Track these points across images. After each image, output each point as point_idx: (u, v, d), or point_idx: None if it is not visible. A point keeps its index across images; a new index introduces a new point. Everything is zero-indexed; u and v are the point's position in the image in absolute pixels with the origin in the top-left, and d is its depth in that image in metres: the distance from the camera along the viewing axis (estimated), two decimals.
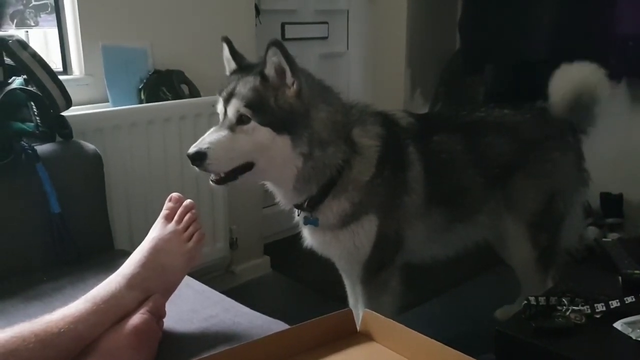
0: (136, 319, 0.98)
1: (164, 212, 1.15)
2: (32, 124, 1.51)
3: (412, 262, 1.61)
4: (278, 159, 1.33)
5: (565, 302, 1.22)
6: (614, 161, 2.45)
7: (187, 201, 1.17)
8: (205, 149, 1.28)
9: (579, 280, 1.44)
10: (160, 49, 1.99)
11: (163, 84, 1.95)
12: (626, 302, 1.19)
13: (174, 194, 1.17)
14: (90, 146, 1.58)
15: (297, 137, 1.32)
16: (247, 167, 1.34)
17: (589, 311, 1.19)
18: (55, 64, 1.85)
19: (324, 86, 1.44)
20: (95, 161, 1.56)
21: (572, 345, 1.13)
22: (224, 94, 1.35)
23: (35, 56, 1.51)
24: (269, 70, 1.31)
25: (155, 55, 1.98)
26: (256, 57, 2.34)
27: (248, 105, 1.30)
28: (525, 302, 1.23)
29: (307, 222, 1.47)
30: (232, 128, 1.31)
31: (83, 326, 0.92)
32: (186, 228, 1.13)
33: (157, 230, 1.13)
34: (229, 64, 1.43)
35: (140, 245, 1.11)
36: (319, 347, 1.00)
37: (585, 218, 2.42)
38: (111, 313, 0.97)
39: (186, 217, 1.14)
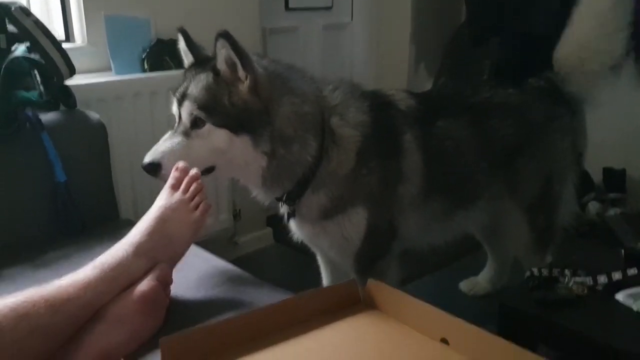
0: (143, 286, 0.99)
1: (170, 181, 1.15)
2: (36, 92, 1.50)
3: (409, 249, 1.56)
4: (239, 160, 1.24)
5: (568, 274, 1.23)
6: (618, 136, 2.44)
7: (193, 171, 1.16)
8: (159, 159, 1.21)
9: (581, 254, 1.45)
10: (162, 19, 1.98)
11: (166, 54, 1.94)
12: (628, 274, 1.20)
13: (180, 164, 1.17)
14: (94, 115, 1.57)
15: (257, 135, 1.22)
16: (209, 170, 1.26)
17: (591, 283, 1.20)
18: (57, 33, 1.84)
19: (291, 73, 1.32)
20: (100, 130, 1.56)
21: (573, 316, 1.14)
22: (177, 95, 1.26)
23: (38, 23, 1.50)
24: (221, 65, 1.21)
25: (157, 25, 1.97)
26: (259, 28, 2.36)
27: (201, 107, 1.21)
28: (528, 273, 1.24)
29: (289, 218, 1.41)
30: (186, 133, 1.23)
31: (91, 293, 0.93)
32: (192, 198, 1.14)
33: (163, 200, 1.13)
34: (186, 57, 1.35)
35: (147, 214, 1.11)
36: (323, 315, 1.01)
37: (587, 193, 2.43)
38: (119, 280, 0.98)
39: (192, 187, 1.14)
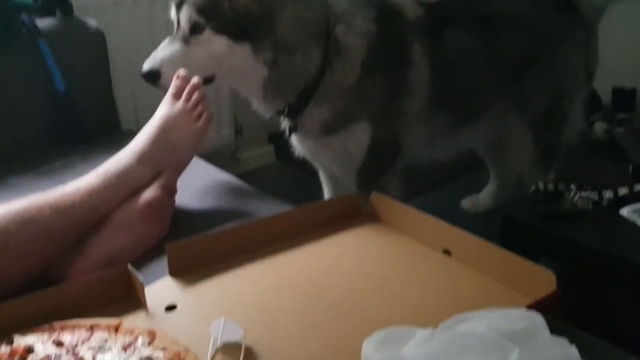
0: (148, 194, 0.99)
1: (171, 89, 1.13)
2: None
3: (411, 165, 1.54)
4: (239, 69, 1.22)
5: (573, 188, 1.22)
6: (629, 54, 2.38)
7: (195, 79, 1.14)
8: (157, 67, 1.18)
9: (588, 170, 1.44)
10: None
11: None
12: (635, 189, 1.19)
13: (181, 71, 1.14)
14: (92, 22, 1.53)
15: (258, 44, 1.19)
16: (209, 79, 1.23)
17: (597, 198, 1.20)
18: None
19: None
20: (98, 38, 1.51)
21: (577, 229, 1.15)
22: None
23: None
24: None
25: None
26: None
27: (200, 11, 1.17)
28: (533, 188, 1.23)
29: (290, 132, 1.38)
30: (185, 39, 1.19)
31: (95, 199, 0.93)
32: (195, 107, 1.12)
33: (165, 108, 1.11)
34: None
35: (149, 123, 1.09)
36: (325, 226, 1.01)
37: (594, 112, 2.40)
38: (123, 188, 0.98)
39: (194, 96, 1.12)
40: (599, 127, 2.34)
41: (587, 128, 2.22)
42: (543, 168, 1.69)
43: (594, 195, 1.19)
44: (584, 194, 1.20)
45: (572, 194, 1.20)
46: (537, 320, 0.55)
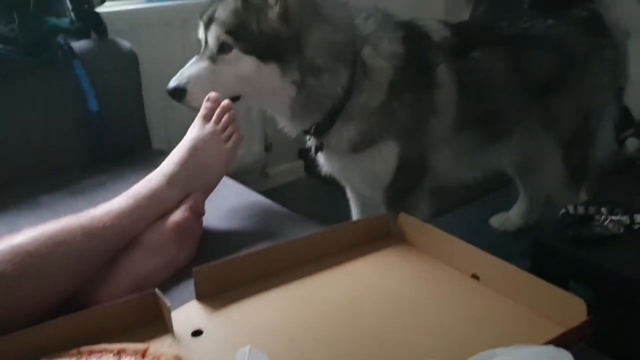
0: (177, 215, 1.00)
1: (202, 112, 1.15)
2: (67, 19, 1.49)
3: (438, 185, 1.52)
4: (266, 89, 1.23)
5: (604, 212, 1.20)
6: None
7: (225, 101, 1.15)
8: (184, 84, 1.20)
9: (619, 192, 1.42)
10: None
11: None
12: None
13: (212, 94, 1.16)
14: (125, 44, 1.56)
15: (286, 64, 1.19)
16: (235, 98, 1.24)
17: (629, 222, 1.18)
18: None
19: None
20: (131, 59, 1.54)
21: (608, 254, 1.13)
22: (204, 18, 1.23)
23: None
24: None
25: None
26: None
27: (229, 31, 1.18)
28: (564, 211, 1.22)
29: (317, 151, 1.39)
30: (213, 58, 1.21)
31: (126, 221, 0.95)
32: (224, 129, 1.13)
33: (195, 131, 1.12)
34: None
35: (179, 145, 1.11)
36: (355, 248, 1.01)
37: (625, 129, 2.35)
38: (152, 209, 0.99)
39: (224, 118, 1.14)
40: (631, 143, 2.28)
41: (618, 146, 2.17)
42: (573, 188, 1.67)
43: (625, 219, 1.18)
44: (615, 217, 1.18)
45: (602, 218, 1.18)
46: (565, 358, 0.54)
